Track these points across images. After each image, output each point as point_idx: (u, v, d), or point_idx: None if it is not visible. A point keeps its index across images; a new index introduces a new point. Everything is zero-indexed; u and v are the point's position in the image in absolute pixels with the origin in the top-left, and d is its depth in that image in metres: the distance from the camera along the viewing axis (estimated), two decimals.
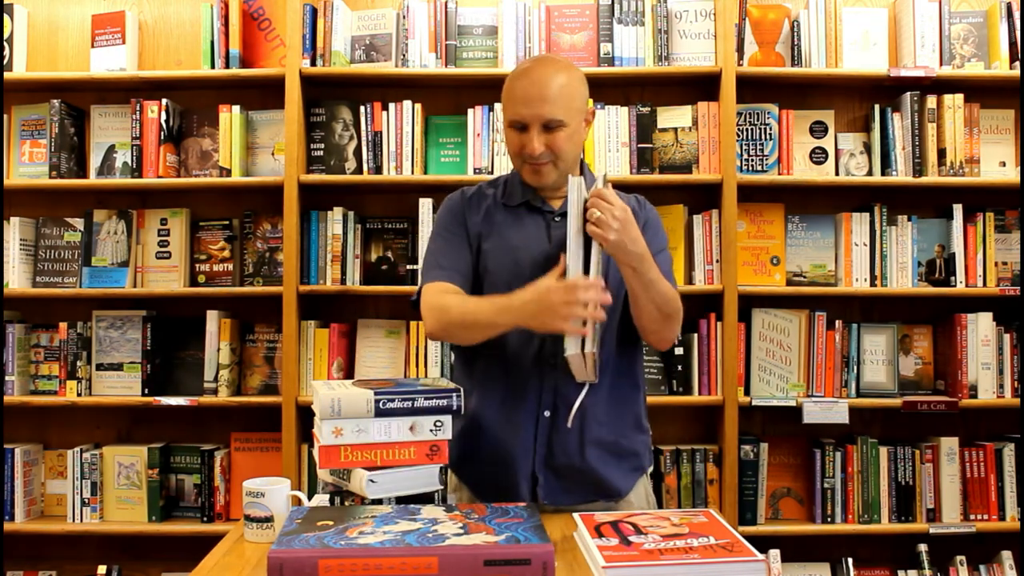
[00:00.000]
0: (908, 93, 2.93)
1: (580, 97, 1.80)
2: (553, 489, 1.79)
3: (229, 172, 2.97)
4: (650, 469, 1.94)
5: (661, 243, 1.87)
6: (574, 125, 1.77)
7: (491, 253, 1.83)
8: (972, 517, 2.89)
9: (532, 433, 1.79)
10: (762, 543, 2.87)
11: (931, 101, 2.92)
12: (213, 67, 2.97)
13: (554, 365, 1.76)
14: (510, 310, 1.66)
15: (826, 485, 2.88)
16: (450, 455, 1.72)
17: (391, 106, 2.95)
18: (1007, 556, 2.92)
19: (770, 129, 2.95)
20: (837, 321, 2.93)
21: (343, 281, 2.93)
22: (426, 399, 1.56)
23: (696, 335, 2.89)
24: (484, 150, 2.93)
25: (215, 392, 2.93)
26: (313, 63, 2.93)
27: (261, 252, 3.01)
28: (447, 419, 1.58)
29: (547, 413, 1.79)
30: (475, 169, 2.93)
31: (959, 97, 2.91)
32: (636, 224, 1.68)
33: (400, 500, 1.54)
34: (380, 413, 1.53)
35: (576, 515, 1.48)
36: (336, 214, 2.94)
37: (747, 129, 2.95)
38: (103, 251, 3.01)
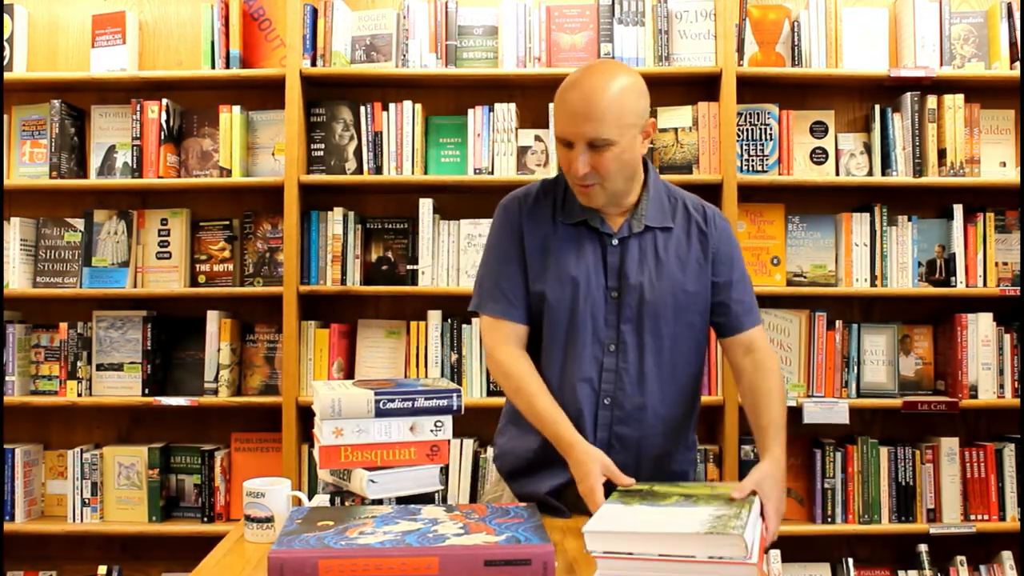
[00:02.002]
0: (908, 93, 2.93)
1: (633, 111, 1.64)
2: None
3: (229, 172, 2.97)
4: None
5: (731, 271, 1.76)
6: (625, 143, 1.63)
7: (550, 283, 1.72)
8: (972, 517, 2.89)
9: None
10: None
11: (931, 101, 2.92)
12: (213, 67, 2.97)
13: (608, 406, 1.71)
14: (558, 446, 1.64)
15: (826, 485, 2.88)
16: (502, 462, 1.79)
17: (391, 106, 2.95)
18: (1007, 556, 2.92)
19: (770, 129, 2.95)
20: (837, 321, 2.93)
21: (343, 281, 2.93)
22: (426, 399, 1.56)
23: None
24: (484, 150, 2.93)
25: (215, 392, 2.93)
26: (313, 63, 2.93)
27: (261, 252, 3.01)
28: (447, 419, 1.58)
29: (603, 434, 1.72)
30: (475, 169, 2.93)
31: (959, 97, 2.91)
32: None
33: (400, 500, 1.54)
34: (380, 413, 1.53)
35: None
36: (336, 214, 2.94)
37: (747, 129, 2.96)
38: (103, 251, 3.01)
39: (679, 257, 1.73)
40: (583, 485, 1.57)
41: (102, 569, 2.96)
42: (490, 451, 2.86)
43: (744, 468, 2.86)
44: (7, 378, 2.94)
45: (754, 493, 1.47)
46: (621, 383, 1.70)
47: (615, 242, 1.72)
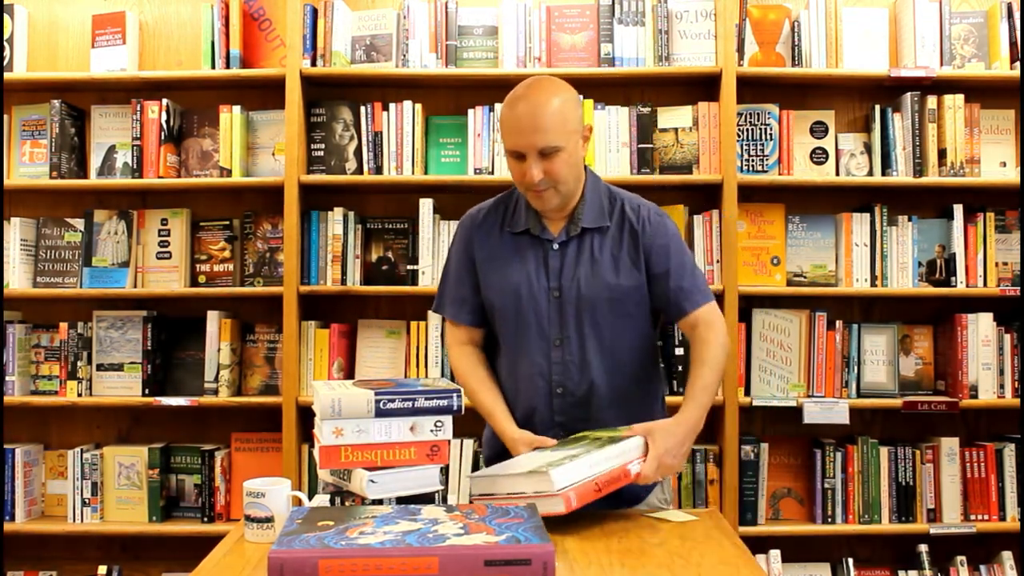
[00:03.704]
0: (908, 93, 2.93)
1: (575, 118, 1.83)
2: None
3: (229, 172, 2.97)
4: None
5: (667, 261, 1.87)
6: (571, 147, 1.80)
7: (494, 289, 1.91)
8: (972, 517, 2.89)
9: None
10: (762, 543, 2.87)
11: (931, 101, 2.92)
12: (213, 67, 2.97)
13: (561, 395, 1.88)
14: (496, 432, 1.90)
15: (826, 485, 2.88)
16: (485, 448, 2.00)
17: (391, 106, 2.95)
18: (1007, 556, 2.92)
19: (770, 129, 2.95)
20: (837, 321, 2.93)
21: (343, 281, 2.93)
22: (426, 399, 1.56)
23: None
24: (484, 150, 2.93)
25: (215, 392, 2.93)
26: (313, 63, 2.93)
27: (261, 252, 3.01)
28: (447, 419, 1.58)
29: (562, 434, 1.86)
30: (475, 169, 2.93)
31: (959, 97, 2.91)
32: (677, 445, 1.74)
33: (400, 500, 1.54)
34: (380, 413, 1.53)
35: None
36: (336, 214, 2.94)
37: (747, 129, 2.95)
38: (103, 251, 3.01)
39: (612, 255, 1.87)
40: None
41: (102, 569, 2.96)
42: None
43: (744, 468, 2.86)
44: (7, 378, 2.94)
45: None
46: (569, 373, 1.87)
47: (556, 247, 1.89)
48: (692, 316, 1.88)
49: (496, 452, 1.95)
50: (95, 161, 3.06)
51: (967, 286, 2.92)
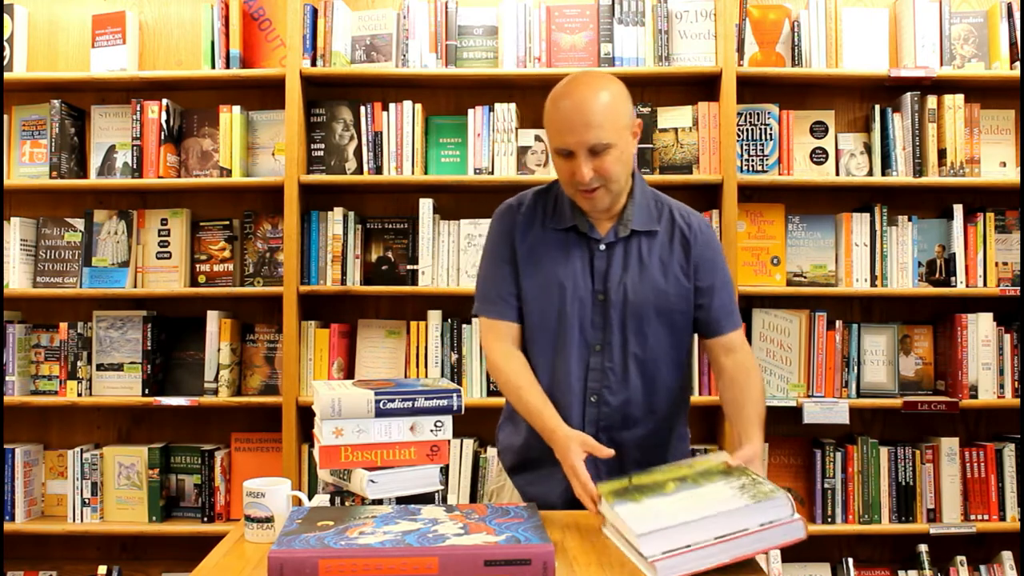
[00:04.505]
0: (908, 93, 2.93)
1: (625, 113, 1.73)
2: None
3: (229, 172, 2.97)
4: None
5: (713, 276, 1.81)
6: (622, 144, 1.71)
7: (536, 287, 1.80)
8: (972, 517, 2.89)
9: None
10: None
11: (931, 101, 2.92)
12: (213, 67, 2.97)
13: (595, 403, 1.78)
14: (543, 434, 1.72)
15: (826, 485, 2.88)
16: (503, 457, 1.88)
17: (391, 106, 2.95)
18: (1007, 556, 2.92)
19: (770, 129, 2.95)
20: (837, 321, 2.93)
21: (343, 281, 2.93)
22: (426, 399, 1.56)
23: (696, 335, 2.88)
24: (484, 150, 2.93)
25: (215, 392, 2.93)
26: (313, 63, 2.93)
27: (261, 252, 3.01)
28: (447, 419, 1.58)
29: (591, 430, 1.77)
30: (475, 169, 2.93)
31: (959, 97, 2.91)
32: (761, 470, 1.63)
33: (400, 500, 1.54)
34: (380, 413, 1.53)
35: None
36: (336, 214, 2.94)
37: (747, 129, 2.96)
38: (103, 251, 3.01)
39: (662, 261, 1.79)
40: (565, 464, 1.64)
41: (102, 569, 2.96)
42: (490, 451, 2.87)
43: None
44: (7, 378, 2.94)
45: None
46: (607, 381, 1.78)
47: (603, 247, 1.79)
48: (729, 337, 1.83)
49: (521, 460, 1.85)
50: (95, 161, 3.06)
51: (967, 286, 2.92)
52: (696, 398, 2.88)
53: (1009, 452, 2.91)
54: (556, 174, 1.78)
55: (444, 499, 1.60)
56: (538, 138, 2.95)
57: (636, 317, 1.76)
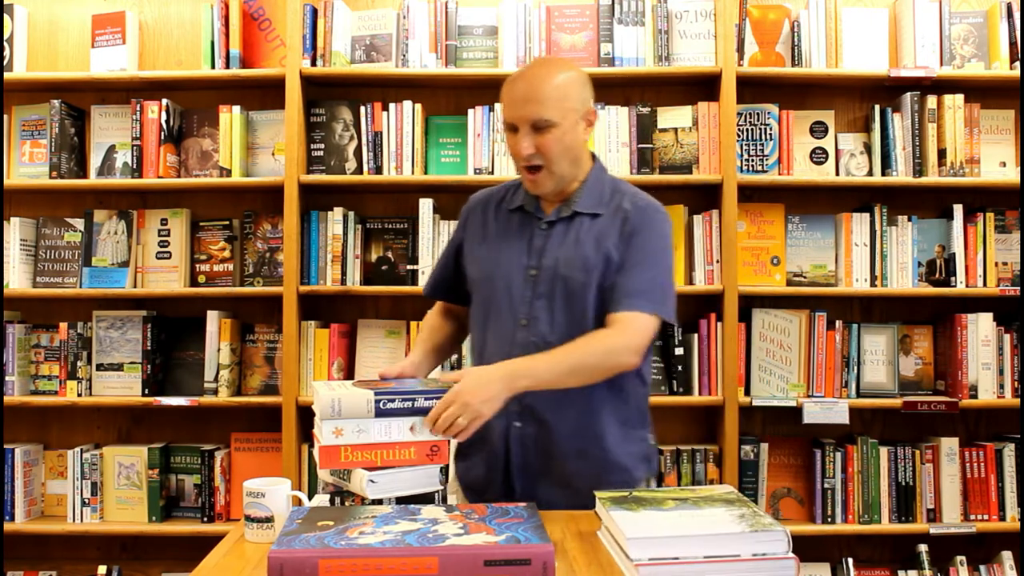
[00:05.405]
0: (908, 93, 2.93)
1: (576, 97, 1.76)
2: (529, 499, 1.69)
3: (229, 172, 2.97)
4: (651, 481, 1.86)
5: (633, 255, 1.74)
6: (567, 125, 1.73)
7: (479, 266, 1.87)
8: (972, 517, 2.89)
9: (503, 442, 1.78)
10: None
11: (931, 101, 2.92)
12: (213, 67, 2.97)
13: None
14: None
15: (826, 485, 2.88)
16: (462, 482, 1.85)
17: (391, 106, 2.95)
18: (1007, 556, 2.92)
19: (770, 129, 2.95)
20: (837, 321, 2.92)
21: (343, 281, 2.93)
22: (426, 399, 1.56)
23: (696, 335, 2.89)
24: (484, 150, 2.93)
25: (215, 392, 2.93)
26: (313, 63, 2.93)
27: (261, 252, 3.01)
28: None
29: (517, 424, 1.77)
30: (475, 169, 2.93)
31: (959, 97, 2.91)
32: (484, 386, 1.57)
33: (400, 500, 1.54)
34: (380, 413, 1.53)
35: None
36: (336, 214, 2.94)
37: (747, 129, 2.95)
38: (103, 251, 3.01)
39: (597, 239, 1.77)
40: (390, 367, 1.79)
41: (102, 569, 2.96)
42: None
43: (744, 468, 2.87)
44: (7, 378, 2.94)
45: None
46: (531, 355, 1.70)
47: (544, 226, 1.82)
48: (618, 315, 1.71)
49: (468, 483, 1.86)
50: (95, 161, 3.06)
51: (967, 286, 2.92)
52: (696, 398, 2.88)
53: (1009, 452, 2.91)
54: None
55: (444, 499, 1.59)
56: None
57: (564, 294, 1.75)
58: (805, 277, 2.96)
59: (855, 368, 2.91)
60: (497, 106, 2.91)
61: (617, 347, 1.69)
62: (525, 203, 1.84)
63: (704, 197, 3.00)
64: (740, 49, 2.93)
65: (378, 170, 2.95)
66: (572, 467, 1.77)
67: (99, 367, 2.99)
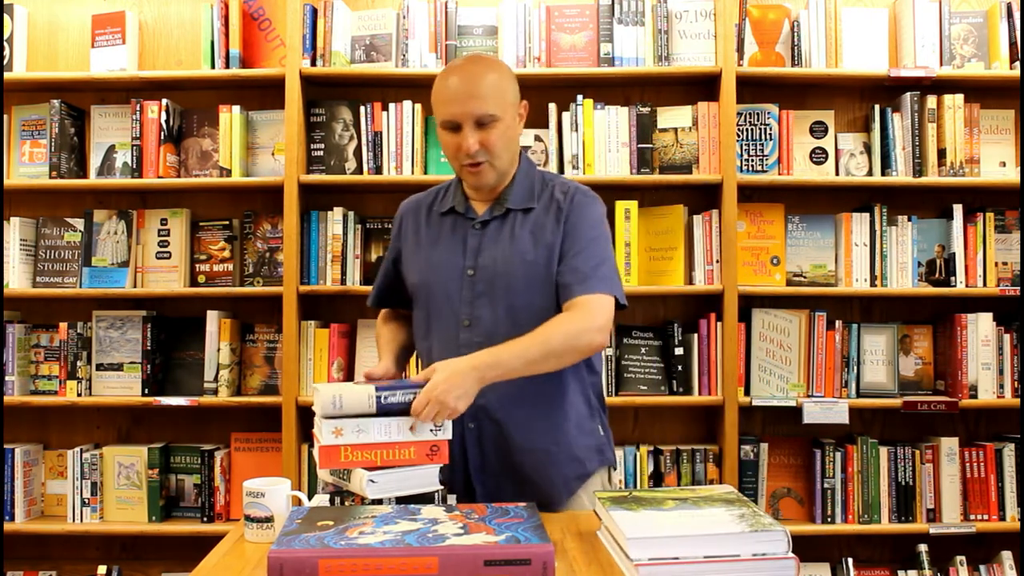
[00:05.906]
0: (908, 93, 2.93)
1: (511, 91, 1.79)
2: (492, 498, 1.74)
3: (229, 172, 2.97)
4: (603, 472, 1.86)
5: (575, 241, 1.76)
6: (507, 120, 1.76)
7: (416, 271, 1.87)
8: (972, 517, 2.89)
9: (459, 444, 1.77)
10: None
11: (931, 101, 2.92)
12: (213, 67, 2.97)
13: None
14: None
15: (826, 485, 2.88)
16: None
17: (391, 106, 2.95)
18: (1007, 556, 2.92)
19: (770, 129, 2.95)
20: (837, 321, 2.93)
21: (343, 281, 2.93)
22: None
23: (696, 335, 2.89)
24: None
25: (215, 392, 2.93)
26: (313, 63, 2.93)
27: (261, 252, 3.01)
28: (447, 419, 1.57)
29: (471, 425, 1.77)
30: None
31: (959, 97, 2.91)
32: (455, 381, 1.56)
33: (400, 500, 1.54)
34: (382, 407, 1.52)
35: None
36: (336, 214, 2.94)
37: (747, 129, 2.95)
38: (103, 251, 3.01)
39: (533, 233, 1.78)
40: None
41: (102, 569, 2.96)
42: None
43: (744, 468, 2.87)
44: (7, 378, 2.93)
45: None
46: None
47: (477, 226, 1.82)
48: (577, 300, 1.72)
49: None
50: (95, 161, 3.06)
51: (967, 286, 2.92)
52: (696, 398, 2.88)
53: (1009, 452, 2.91)
54: (443, 151, 1.82)
55: (444, 499, 1.59)
56: (538, 138, 2.95)
57: (504, 290, 1.75)
58: (805, 277, 2.96)
59: (855, 368, 2.91)
60: None
61: (581, 328, 1.69)
62: (456, 205, 1.85)
63: (704, 197, 3.00)
64: (740, 49, 2.93)
65: (378, 170, 2.95)
66: (527, 462, 1.78)
67: (99, 367, 2.99)
